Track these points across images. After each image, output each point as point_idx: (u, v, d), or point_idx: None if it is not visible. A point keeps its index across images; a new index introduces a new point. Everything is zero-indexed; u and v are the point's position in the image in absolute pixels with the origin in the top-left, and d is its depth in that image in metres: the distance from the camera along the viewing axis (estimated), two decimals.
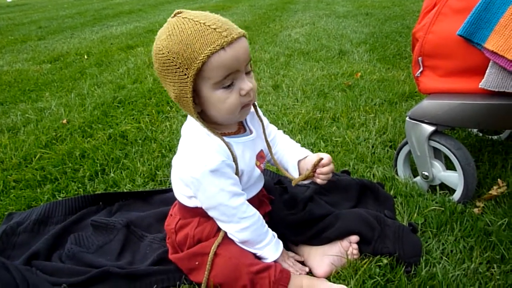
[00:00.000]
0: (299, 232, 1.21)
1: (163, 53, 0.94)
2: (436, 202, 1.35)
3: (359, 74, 2.84)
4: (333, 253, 1.14)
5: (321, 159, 1.09)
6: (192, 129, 1.06)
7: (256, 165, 1.14)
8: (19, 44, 5.21)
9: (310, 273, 1.15)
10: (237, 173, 1.06)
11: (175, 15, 0.97)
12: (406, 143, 1.47)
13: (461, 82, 1.29)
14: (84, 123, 2.30)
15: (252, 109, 1.14)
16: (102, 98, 2.72)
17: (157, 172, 1.74)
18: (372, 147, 1.80)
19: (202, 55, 0.90)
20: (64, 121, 2.35)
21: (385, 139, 1.86)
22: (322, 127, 2.05)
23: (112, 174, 1.75)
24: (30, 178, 1.75)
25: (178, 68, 0.93)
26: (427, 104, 1.34)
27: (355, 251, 1.14)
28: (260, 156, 1.15)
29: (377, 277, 1.07)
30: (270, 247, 1.10)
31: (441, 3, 1.30)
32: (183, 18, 0.94)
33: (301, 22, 5.21)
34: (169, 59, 0.94)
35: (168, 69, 0.95)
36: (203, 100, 0.99)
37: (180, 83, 0.95)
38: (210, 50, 0.90)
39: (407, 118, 1.40)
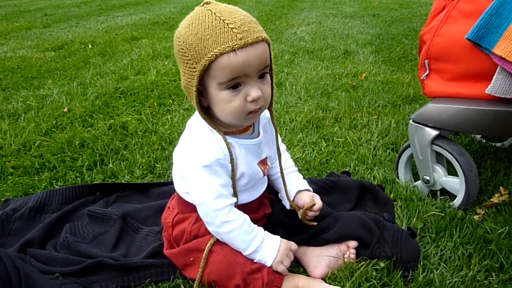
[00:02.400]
0: (296, 233, 1.20)
1: (180, 41, 0.94)
2: (436, 207, 1.34)
3: (364, 75, 2.82)
4: (330, 254, 1.13)
5: (314, 205, 1.14)
6: (197, 123, 1.06)
7: (260, 168, 1.13)
8: (24, 31, 5.19)
9: (305, 273, 1.14)
10: (233, 176, 1.04)
11: (203, 5, 0.95)
12: (409, 146, 1.45)
13: (467, 87, 1.27)
14: (85, 113, 2.28)
15: (268, 114, 1.13)
16: (104, 88, 2.71)
17: (156, 165, 1.72)
18: (374, 149, 1.79)
19: (211, 53, 0.89)
20: (65, 109, 2.34)
21: (387, 142, 1.84)
22: (324, 127, 2.03)
23: (111, 165, 1.73)
24: (28, 165, 1.74)
25: (189, 60, 0.93)
26: (431, 107, 1.32)
27: (352, 256, 1.13)
28: (262, 163, 1.14)
29: (373, 280, 1.06)
30: (259, 254, 1.04)
31: (450, 5, 1.28)
32: (207, 9, 0.92)
33: (308, 21, 5.18)
34: (182, 49, 0.94)
35: (181, 58, 0.95)
36: (209, 97, 0.98)
37: (189, 74, 0.95)
38: (219, 50, 0.88)
39: (410, 121, 1.39)
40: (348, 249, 1.14)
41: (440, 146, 1.34)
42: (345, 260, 1.12)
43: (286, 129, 2.02)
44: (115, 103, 2.44)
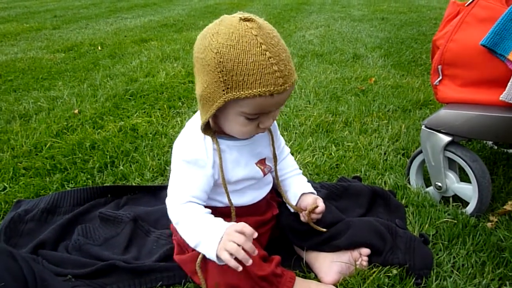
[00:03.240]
0: (307, 238, 1.19)
1: (216, 58, 0.87)
2: (449, 214, 1.33)
3: (373, 79, 2.81)
4: (342, 260, 1.12)
5: (317, 207, 1.12)
6: (193, 123, 1.07)
7: (260, 168, 1.12)
8: (34, 32, 5.24)
9: (317, 279, 1.13)
10: (223, 180, 1.04)
11: (245, 20, 0.88)
12: (420, 152, 1.44)
13: (481, 93, 1.26)
14: (96, 114, 2.30)
15: None
16: (114, 90, 2.72)
17: (167, 167, 1.73)
18: (385, 154, 1.78)
19: (249, 91, 0.86)
20: (76, 111, 2.36)
21: (398, 147, 1.83)
22: (334, 131, 2.03)
23: (121, 167, 1.74)
24: (40, 166, 1.76)
25: (221, 81, 0.88)
26: (444, 113, 1.32)
27: (365, 263, 1.13)
28: (260, 163, 1.13)
29: (386, 287, 1.05)
30: (201, 247, 0.97)
31: (465, 11, 1.28)
32: (253, 34, 0.86)
33: (316, 24, 5.18)
34: (216, 67, 0.87)
35: (210, 72, 0.89)
36: (223, 113, 0.96)
37: (213, 91, 0.90)
38: (259, 91, 0.86)
39: (422, 127, 1.38)
40: (360, 256, 1.13)
41: (453, 152, 1.33)
42: (357, 266, 1.12)
43: (295, 133, 2.01)
44: (125, 105, 2.45)
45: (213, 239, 0.93)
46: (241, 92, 0.87)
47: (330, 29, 4.79)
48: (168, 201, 1.05)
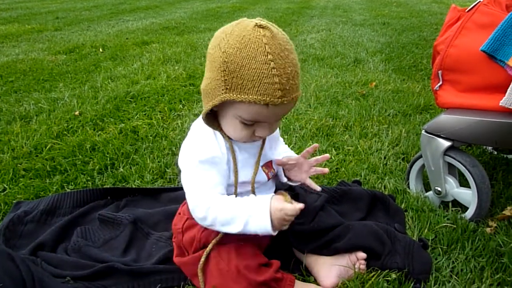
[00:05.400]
0: (306, 242, 1.19)
1: (221, 56, 0.90)
2: (448, 219, 1.33)
3: (374, 83, 2.81)
4: (341, 264, 1.12)
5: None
6: (200, 124, 1.06)
7: (264, 172, 1.13)
8: (35, 34, 5.25)
9: (316, 282, 1.13)
10: (236, 178, 1.05)
11: (260, 26, 0.89)
12: (420, 156, 1.45)
13: (481, 98, 1.26)
14: (96, 116, 2.30)
15: None
16: (115, 92, 2.73)
17: (167, 170, 1.73)
18: (384, 158, 1.78)
19: (245, 96, 0.88)
20: (77, 112, 2.36)
21: (398, 151, 1.83)
22: (334, 135, 2.03)
23: (121, 169, 1.74)
24: (40, 167, 1.76)
25: (222, 80, 0.90)
26: (444, 118, 1.32)
27: (363, 266, 1.12)
28: (266, 166, 1.14)
29: None
30: (251, 225, 0.96)
31: (465, 17, 1.28)
32: (263, 42, 0.87)
33: (317, 28, 5.20)
34: (220, 66, 0.90)
35: (214, 69, 0.92)
36: (223, 113, 0.98)
37: (214, 88, 0.92)
38: (254, 99, 0.88)
39: (423, 132, 1.38)
40: (357, 260, 1.13)
41: (453, 157, 1.34)
42: (356, 270, 1.12)
43: (296, 136, 2.02)
44: (125, 107, 2.46)
45: (262, 222, 0.94)
46: (238, 96, 0.89)
47: (331, 33, 4.81)
48: (191, 205, 1.02)
